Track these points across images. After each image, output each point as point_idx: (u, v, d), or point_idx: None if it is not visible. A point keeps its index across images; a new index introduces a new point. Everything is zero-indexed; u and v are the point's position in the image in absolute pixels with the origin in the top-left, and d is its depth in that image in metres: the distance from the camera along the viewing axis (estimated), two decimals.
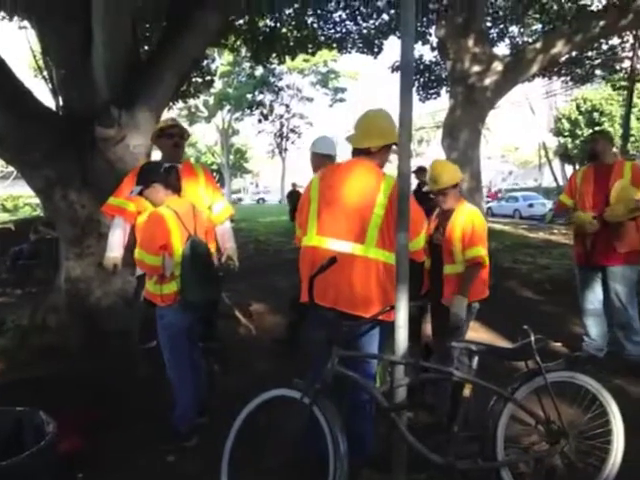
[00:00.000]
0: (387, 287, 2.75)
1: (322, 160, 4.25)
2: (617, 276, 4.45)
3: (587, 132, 30.93)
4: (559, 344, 5.05)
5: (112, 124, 4.80)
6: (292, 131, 29.54)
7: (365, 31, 13.59)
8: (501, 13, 14.82)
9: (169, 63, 5.20)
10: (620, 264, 4.43)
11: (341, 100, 39.71)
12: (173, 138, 3.99)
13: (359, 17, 13.21)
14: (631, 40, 16.77)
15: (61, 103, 5.88)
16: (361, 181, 2.86)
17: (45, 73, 12.27)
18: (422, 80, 16.17)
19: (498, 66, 10.77)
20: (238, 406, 2.62)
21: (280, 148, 35.52)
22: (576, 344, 4.88)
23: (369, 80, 71.52)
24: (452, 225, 3.51)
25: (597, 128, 30.26)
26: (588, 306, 4.67)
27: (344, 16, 13.14)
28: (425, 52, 44.43)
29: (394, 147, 2.93)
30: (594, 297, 4.63)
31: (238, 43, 12.00)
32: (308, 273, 2.68)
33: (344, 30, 13.36)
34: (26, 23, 9.52)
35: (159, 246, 3.13)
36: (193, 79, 13.42)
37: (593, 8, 13.70)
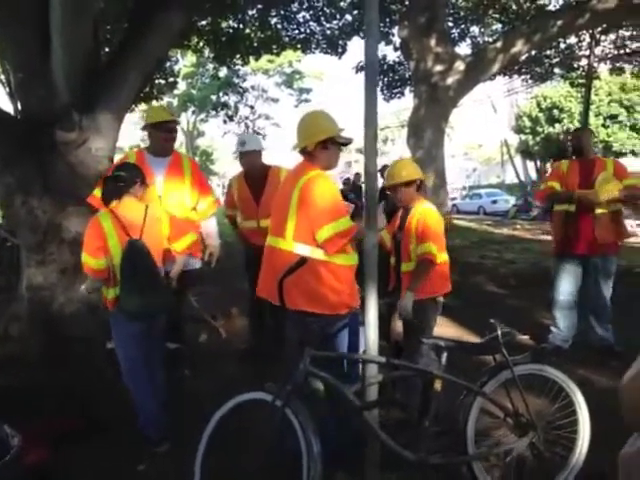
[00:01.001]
0: (308, 280, 2.78)
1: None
2: (598, 266, 4.64)
3: (547, 129, 31.70)
4: (526, 337, 5.15)
5: (73, 128, 4.69)
6: (257, 132, 29.43)
7: (329, 32, 13.62)
8: (462, 13, 15.04)
9: (131, 65, 5.12)
10: (600, 254, 4.62)
11: (306, 100, 39.74)
12: (170, 133, 3.95)
13: (322, 18, 13.23)
14: (587, 39, 17.24)
15: (19, 107, 5.73)
16: (289, 180, 3.00)
17: (2, 77, 11.94)
18: (386, 80, 16.30)
19: (460, 65, 10.94)
20: (210, 410, 2.60)
21: None
22: (543, 336, 4.99)
23: (334, 80, 71.79)
24: (408, 223, 3.59)
25: (557, 125, 31.08)
26: (560, 297, 4.80)
27: (308, 17, 13.15)
28: (389, 52, 44.70)
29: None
30: (569, 288, 4.76)
31: (201, 44, 11.89)
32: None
33: (308, 31, 13.36)
34: None
35: (96, 248, 3.07)
36: (156, 81, 13.25)
37: (551, 8, 14.06)
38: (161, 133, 3.95)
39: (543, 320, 5.60)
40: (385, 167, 10.93)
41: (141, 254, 3.05)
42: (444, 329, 5.06)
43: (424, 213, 3.54)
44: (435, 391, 2.53)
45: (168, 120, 3.95)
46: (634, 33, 15.15)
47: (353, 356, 2.78)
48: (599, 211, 4.53)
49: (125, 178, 3.21)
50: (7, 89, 12.24)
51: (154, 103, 13.12)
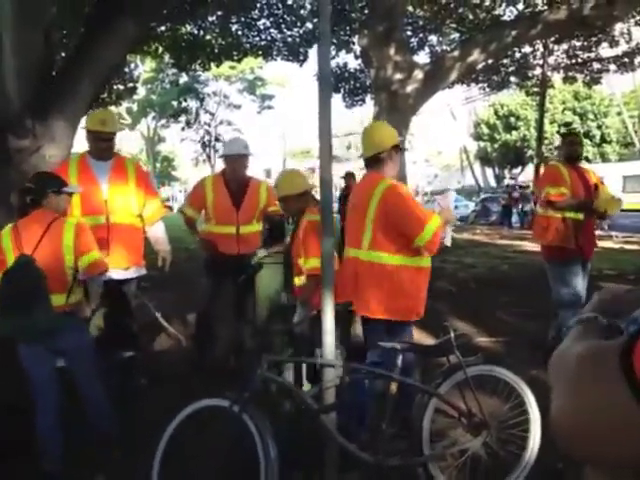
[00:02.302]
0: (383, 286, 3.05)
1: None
2: (587, 268, 4.76)
3: (505, 136, 32.49)
4: (485, 339, 5.27)
5: (26, 134, 4.60)
6: (216, 139, 29.21)
7: (290, 39, 13.69)
8: (420, 23, 15.32)
9: (86, 70, 5.04)
10: (591, 256, 4.77)
11: (269, 107, 39.80)
12: (104, 142, 3.89)
13: (283, 25, 13.29)
14: (541, 49, 17.78)
15: None
16: (361, 192, 3.23)
17: None
18: (347, 87, 16.46)
19: (419, 74, 11.13)
20: (167, 418, 2.58)
21: (207, 155, 35.16)
22: (501, 337, 5.12)
23: (297, 87, 71.95)
24: (297, 236, 3.49)
25: (514, 132, 31.89)
26: (568, 298, 4.62)
27: (268, 24, 13.18)
28: (350, 60, 45.23)
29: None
30: (577, 288, 4.65)
31: (161, 50, 11.79)
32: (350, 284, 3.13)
33: (269, 38, 13.40)
34: None
35: None
36: (115, 86, 13.07)
37: (506, 18, 14.46)
38: (95, 141, 3.89)
39: (503, 320, 5.75)
40: (349, 174, 11.02)
41: (23, 271, 2.81)
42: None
43: (308, 225, 3.40)
44: (391, 393, 2.58)
45: (102, 132, 3.85)
46: (585, 43, 15.70)
47: (311, 360, 2.81)
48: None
49: (33, 190, 3.04)
50: None
51: (112, 108, 12.93)
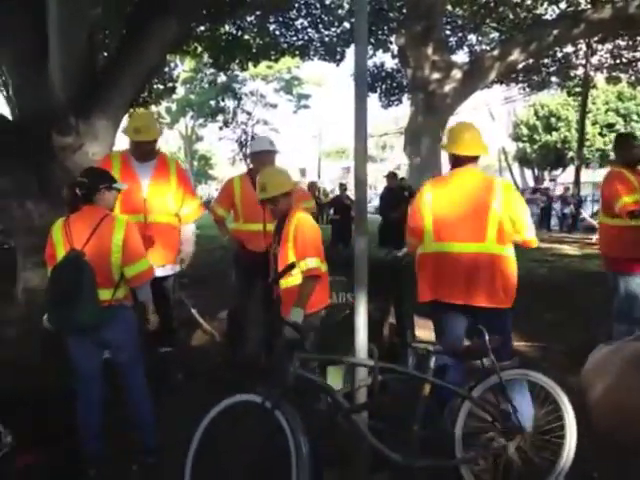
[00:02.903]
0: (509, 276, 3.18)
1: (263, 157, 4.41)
2: None
3: (545, 137, 31.82)
4: (521, 343, 5.17)
5: (70, 132, 4.73)
6: (253, 138, 29.45)
7: (327, 39, 13.72)
8: (459, 22, 15.15)
9: (128, 70, 5.16)
10: None
11: (305, 107, 39.89)
12: (143, 147, 3.96)
13: (320, 25, 13.34)
14: (584, 48, 17.37)
15: (17, 111, 5.77)
16: (475, 187, 3.26)
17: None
18: (384, 87, 16.40)
19: (457, 73, 11.00)
20: (200, 413, 2.62)
21: (243, 154, 35.53)
22: (537, 342, 5.02)
23: (333, 87, 71.98)
24: (285, 234, 3.33)
25: (554, 133, 31.18)
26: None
27: (306, 24, 13.25)
28: (387, 59, 44.96)
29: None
30: None
31: (200, 50, 11.96)
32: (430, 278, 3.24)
33: (306, 37, 13.46)
34: None
35: (49, 255, 3.03)
36: (155, 85, 13.31)
37: (547, 17, 14.17)
38: (134, 146, 3.97)
39: (540, 325, 5.64)
40: (392, 174, 10.93)
41: (73, 266, 2.86)
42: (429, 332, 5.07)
43: (301, 221, 3.29)
44: (424, 395, 2.56)
45: (137, 141, 3.93)
46: (630, 43, 15.28)
47: (343, 359, 2.81)
48: None
49: (85, 185, 3.04)
50: (4, 93, 12.29)
51: (152, 108, 13.17)
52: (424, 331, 4.50)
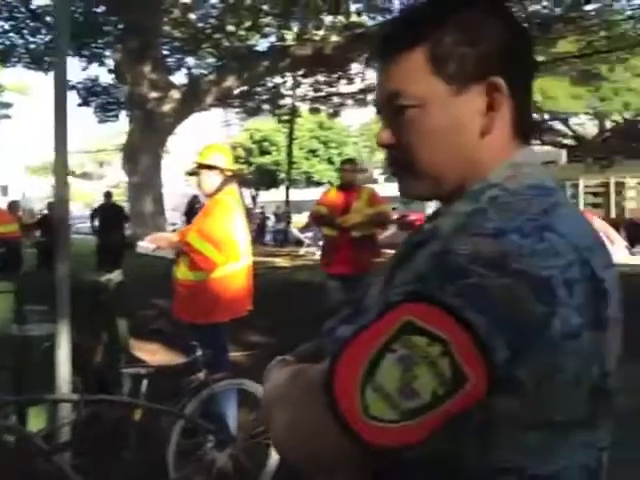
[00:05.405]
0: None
1: None
2: None
3: (259, 159, 34.13)
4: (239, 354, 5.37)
5: None
6: None
7: (33, 46, 12.52)
8: (178, 44, 15.32)
9: None
10: None
11: (7, 116, 35.43)
12: None
13: (25, 31, 12.13)
14: (291, 80, 19.24)
15: None
16: None
17: None
18: (99, 102, 15.60)
19: (175, 94, 11.14)
20: None
21: None
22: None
23: (42, 96, 65.21)
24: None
25: (268, 156, 33.66)
26: None
27: (7, 27, 11.91)
28: (102, 73, 42.63)
29: None
30: None
31: None
32: None
33: (7, 42, 12.10)
34: None
35: None
36: None
37: (259, 49, 15.33)
38: None
39: None
40: (194, 197, 10.34)
41: None
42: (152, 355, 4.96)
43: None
44: (134, 420, 2.50)
45: None
46: (327, 78, 17.45)
47: (43, 397, 2.55)
48: None
49: None
50: None
51: None
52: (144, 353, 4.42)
